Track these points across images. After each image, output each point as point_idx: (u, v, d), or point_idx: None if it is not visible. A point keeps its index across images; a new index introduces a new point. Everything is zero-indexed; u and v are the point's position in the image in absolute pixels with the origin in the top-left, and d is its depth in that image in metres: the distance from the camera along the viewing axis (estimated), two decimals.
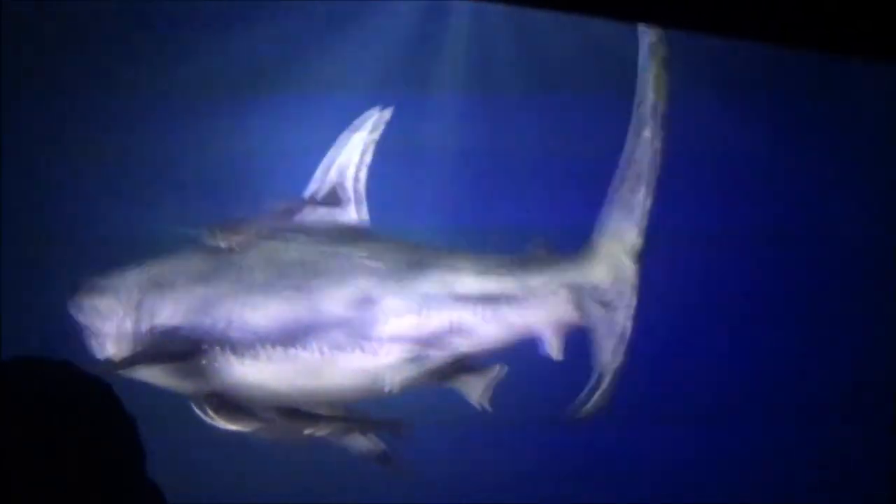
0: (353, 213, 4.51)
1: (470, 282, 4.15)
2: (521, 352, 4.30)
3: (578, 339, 4.28)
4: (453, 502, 5.99)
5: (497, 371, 4.26)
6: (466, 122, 6.87)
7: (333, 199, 4.48)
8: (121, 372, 4.18)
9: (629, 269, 4.06)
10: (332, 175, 4.53)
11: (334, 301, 4.13)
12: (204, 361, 4.18)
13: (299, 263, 4.24)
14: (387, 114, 4.65)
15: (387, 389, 4.15)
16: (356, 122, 4.66)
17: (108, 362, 4.28)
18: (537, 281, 4.13)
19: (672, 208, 4.51)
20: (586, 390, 4.08)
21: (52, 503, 1.50)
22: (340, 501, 5.78)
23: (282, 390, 4.22)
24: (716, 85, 6.69)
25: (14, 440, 1.51)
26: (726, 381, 6.78)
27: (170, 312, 4.25)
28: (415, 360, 4.14)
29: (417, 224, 5.34)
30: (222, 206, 6.99)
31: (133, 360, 4.23)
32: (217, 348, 4.18)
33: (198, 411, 4.33)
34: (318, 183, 4.58)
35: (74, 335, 4.47)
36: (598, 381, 4.05)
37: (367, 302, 4.12)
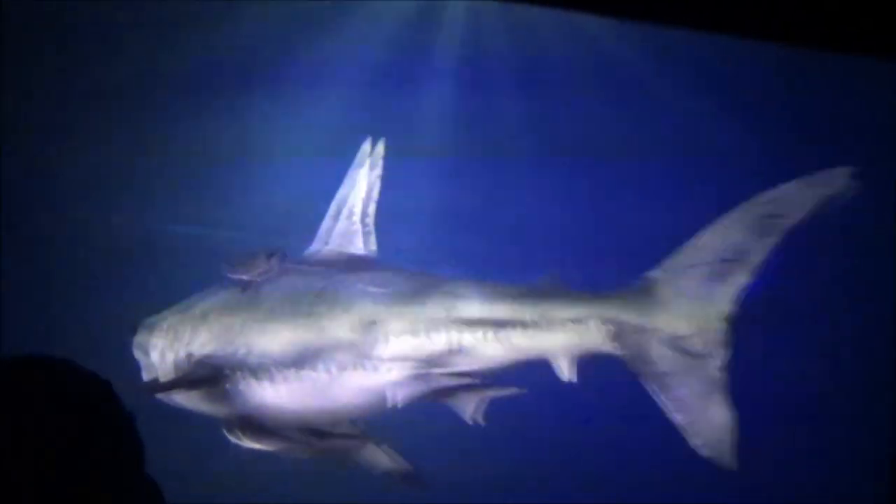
0: (363, 246, 4.79)
1: (475, 308, 4.32)
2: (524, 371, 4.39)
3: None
4: (454, 503, 6.01)
5: (495, 390, 4.40)
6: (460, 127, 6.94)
7: (345, 235, 4.80)
8: (160, 397, 4.62)
9: (716, 325, 4.18)
10: (344, 213, 4.84)
11: (341, 325, 4.39)
12: (228, 386, 4.49)
13: (310, 292, 4.52)
14: (381, 147, 4.87)
15: (390, 405, 4.34)
16: (358, 157, 4.89)
17: (145, 386, 4.67)
18: (560, 310, 4.24)
19: (671, 209, 4.51)
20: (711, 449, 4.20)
21: (52, 500, 1.51)
22: (340, 501, 5.79)
23: (296, 409, 4.48)
24: (714, 83, 6.71)
25: (14, 437, 1.51)
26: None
27: (200, 343, 4.61)
28: (417, 377, 4.34)
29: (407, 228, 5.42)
30: (218, 205, 7.05)
31: (164, 386, 4.61)
32: (238, 373, 4.48)
33: (227, 434, 4.59)
34: (331, 221, 4.87)
35: (135, 371, 4.83)
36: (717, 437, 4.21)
37: (371, 325, 4.36)
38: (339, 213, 4.84)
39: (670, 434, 4.23)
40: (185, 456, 5.04)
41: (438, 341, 4.30)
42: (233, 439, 4.59)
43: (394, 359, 4.33)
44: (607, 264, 4.68)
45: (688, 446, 4.48)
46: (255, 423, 4.54)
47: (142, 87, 6.76)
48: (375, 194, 4.83)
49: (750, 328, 6.90)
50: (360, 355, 4.33)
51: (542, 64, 7.11)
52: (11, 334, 5.38)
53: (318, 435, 4.62)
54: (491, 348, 4.28)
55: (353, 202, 4.83)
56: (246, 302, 4.60)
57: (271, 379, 4.42)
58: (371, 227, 4.81)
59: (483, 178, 7.07)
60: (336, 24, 6.99)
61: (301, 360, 4.37)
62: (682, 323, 4.20)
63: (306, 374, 4.38)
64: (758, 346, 6.95)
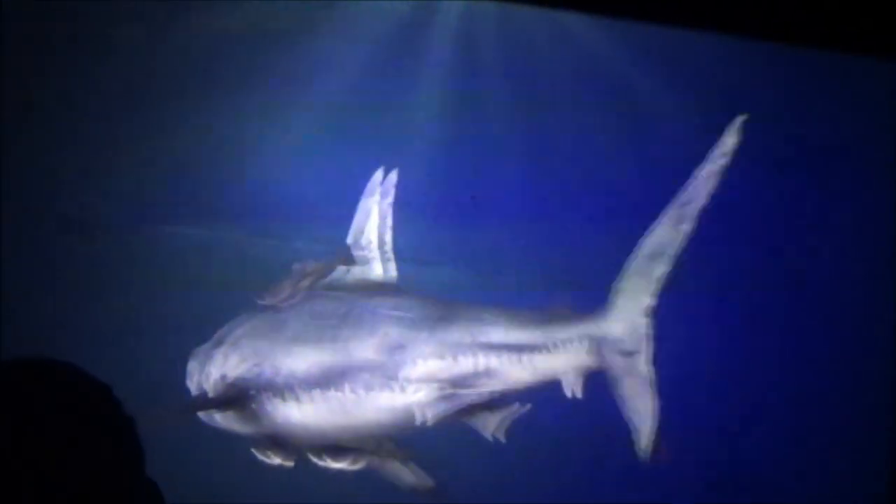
0: (382, 272, 5.00)
1: (498, 333, 4.56)
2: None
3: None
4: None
5: (516, 408, 4.67)
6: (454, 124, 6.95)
7: (365, 263, 5.00)
8: (200, 416, 4.92)
9: (643, 323, 4.41)
10: (362, 243, 5.03)
11: (365, 347, 4.62)
12: (255, 406, 4.72)
13: (335, 316, 4.75)
14: (393, 176, 5.03)
15: (418, 424, 4.55)
16: (369, 186, 5.06)
17: (179, 407, 4.98)
18: (562, 333, 4.53)
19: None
20: (637, 437, 4.40)
21: (52, 500, 1.51)
22: (340, 501, 5.79)
23: (322, 428, 4.70)
24: (714, 83, 6.70)
25: (15, 439, 1.51)
26: (726, 381, 6.78)
27: (232, 365, 4.84)
28: (443, 398, 4.54)
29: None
30: (218, 205, 7.05)
31: (196, 407, 4.90)
32: (266, 394, 4.71)
33: (256, 452, 4.80)
34: (350, 249, 5.07)
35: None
36: (641, 426, 4.41)
37: (397, 348, 4.59)
38: (356, 242, 5.04)
39: (667, 434, 4.31)
40: (185, 459, 5.05)
41: (465, 364, 4.53)
42: (262, 458, 4.80)
43: (421, 380, 4.55)
44: (604, 265, 4.71)
45: (688, 446, 4.55)
46: (283, 442, 4.75)
47: (142, 87, 6.77)
48: (390, 222, 5.00)
49: (750, 328, 6.90)
50: (387, 376, 4.55)
51: (535, 64, 7.12)
52: (11, 336, 5.39)
53: (348, 452, 4.81)
54: (515, 370, 4.51)
55: (369, 232, 5.02)
56: (272, 325, 4.83)
57: (297, 399, 4.63)
58: (390, 254, 5.00)
59: (475, 176, 7.08)
60: (336, 24, 6.99)
61: (326, 380, 4.58)
62: (619, 326, 4.47)
63: (332, 394, 4.58)
64: (758, 346, 6.98)
